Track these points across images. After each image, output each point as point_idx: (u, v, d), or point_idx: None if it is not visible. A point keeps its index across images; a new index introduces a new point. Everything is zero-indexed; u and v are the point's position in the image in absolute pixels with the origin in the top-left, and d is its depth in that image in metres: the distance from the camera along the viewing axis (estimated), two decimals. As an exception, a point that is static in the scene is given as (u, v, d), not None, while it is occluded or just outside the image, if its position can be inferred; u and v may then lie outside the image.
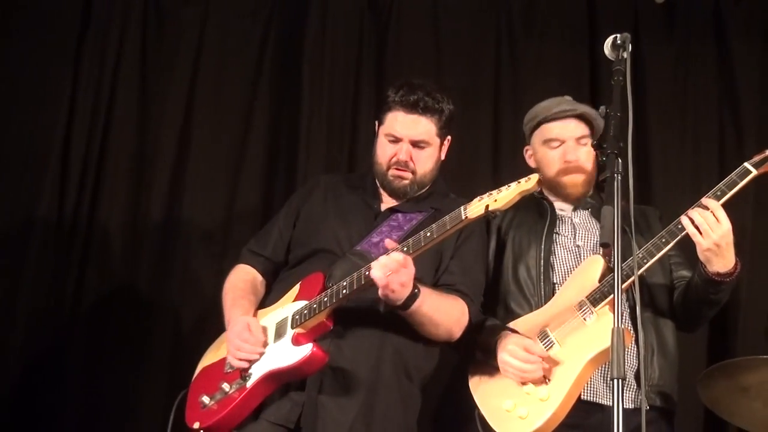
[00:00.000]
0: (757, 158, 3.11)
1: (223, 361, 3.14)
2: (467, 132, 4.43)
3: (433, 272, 3.16)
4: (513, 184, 2.81)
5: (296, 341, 2.98)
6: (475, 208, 2.83)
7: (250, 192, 4.35)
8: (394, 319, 3.06)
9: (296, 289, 3.14)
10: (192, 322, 4.16)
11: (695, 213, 3.00)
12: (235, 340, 3.05)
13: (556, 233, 3.36)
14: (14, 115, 4.34)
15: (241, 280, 3.33)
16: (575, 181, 3.39)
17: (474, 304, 3.20)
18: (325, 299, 2.98)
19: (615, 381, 2.33)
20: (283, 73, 4.51)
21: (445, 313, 3.09)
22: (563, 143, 3.39)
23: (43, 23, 4.40)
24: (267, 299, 3.29)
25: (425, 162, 3.28)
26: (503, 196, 2.80)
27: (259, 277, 3.36)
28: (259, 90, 4.47)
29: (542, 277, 3.27)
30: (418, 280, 2.97)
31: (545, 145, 3.43)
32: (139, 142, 4.38)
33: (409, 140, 3.24)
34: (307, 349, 2.93)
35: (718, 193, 3.04)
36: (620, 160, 2.55)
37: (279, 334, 3.05)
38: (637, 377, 3.05)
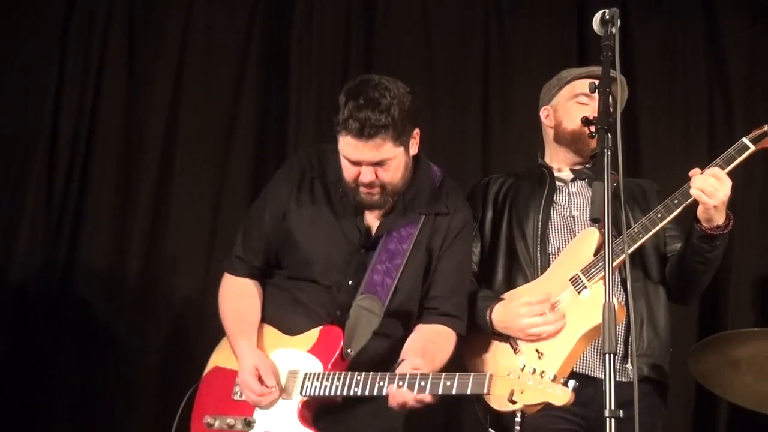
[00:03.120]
0: (755, 133, 3.11)
1: (233, 375, 3.08)
2: (456, 109, 4.44)
3: (416, 286, 3.11)
4: (544, 387, 2.66)
5: (302, 416, 2.96)
6: (498, 390, 2.71)
7: (240, 173, 4.33)
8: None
9: (314, 336, 3.05)
10: (182, 307, 4.15)
11: (696, 179, 3.01)
12: (246, 391, 3.00)
13: (554, 203, 3.35)
14: (0, 102, 4.31)
15: (239, 302, 3.18)
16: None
17: (462, 321, 3.15)
18: (338, 384, 2.92)
19: (607, 356, 2.34)
20: (271, 52, 4.48)
21: (441, 365, 3.04)
22: (593, 102, 3.34)
23: (28, 7, 4.36)
24: (265, 308, 3.18)
25: (393, 174, 3.05)
26: (529, 397, 2.67)
27: (256, 288, 3.22)
28: (247, 70, 4.44)
29: (539, 248, 3.27)
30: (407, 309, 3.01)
31: (574, 99, 3.39)
32: (128, 125, 4.35)
33: (366, 163, 3.02)
34: None
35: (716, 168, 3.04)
36: (610, 135, 2.55)
37: (287, 391, 3.00)
38: (624, 348, 3.06)
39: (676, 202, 3.07)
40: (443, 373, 2.81)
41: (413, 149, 3.12)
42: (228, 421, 3.01)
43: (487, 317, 3.17)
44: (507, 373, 2.69)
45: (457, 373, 2.79)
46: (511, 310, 3.13)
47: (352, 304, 3.07)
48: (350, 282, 3.09)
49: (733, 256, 4.18)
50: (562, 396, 2.64)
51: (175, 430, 3.09)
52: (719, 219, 3.04)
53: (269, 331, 3.13)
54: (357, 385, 2.90)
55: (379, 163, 3.00)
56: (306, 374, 3.00)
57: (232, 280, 3.22)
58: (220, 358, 3.20)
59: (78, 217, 4.22)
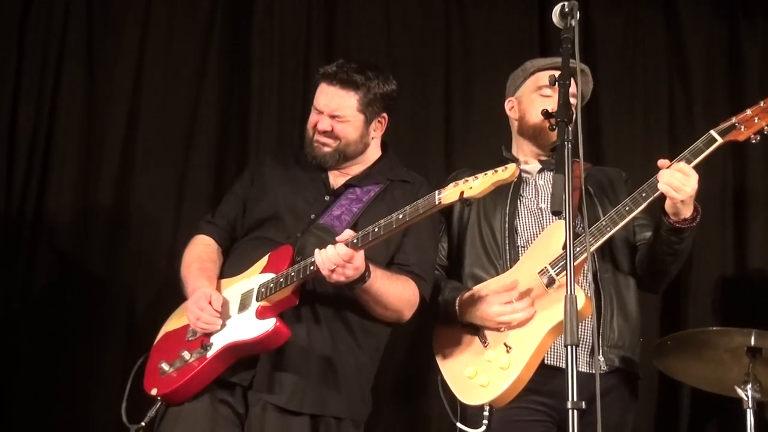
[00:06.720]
0: (723, 126, 3.11)
1: (185, 327, 3.12)
2: (418, 102, 4.42)
3: (384, 246, 3.12)
4: (490, 172, 2.75)
5: (260, 314, 2.97)
6: (449, 194, 2.78)
7: (201, 168, 4.30)
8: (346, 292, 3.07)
9: (264, 260, 3.12)
10: (146, 298, 4.13)
11: (663, 174, 3.02)
12: (194, 308, 3.04)
13: (520, 196, 3.36)
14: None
15: (202, 251, 3.31)
16: None
17: (427, 283, 3.20)
18: (292, 274, 2.96)
19: (568, 348, 2.37)
20: (232, 47, 4.45)
21: (396, 296, 3.08)
22: (557, 94, 3.33)
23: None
24: (225, 268, 3.27)
25: (347, 132, 3.22)
26: (479, 184, 2.74)
27: (218, 247, 3.34)
28: (208, 64, 4.41)
29: (507, 241, 3.28)
30: (371, 259, 2.96)
31: (538, 91, 3.39)
32: (88, 120, 4.30)
33: (327, 113, 3.21)
34: (270, 323, 2.91)
35: (684, 160, 3.05)
36: (570, 128, 2.56)
37: (243, 305, 3.04)
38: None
39: (644, 195, 3.08)
40: (393, 214, 2.87)
41: (375, 132, 3.31)
42: (183, 355, 3.01)
43: (456, 306, 3.18)
44: (453, 185, 2.78)
45: (406, 207, 2.85)
46: (479, 298, 3.13)
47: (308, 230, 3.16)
48: (312, 216, 3.19)
49: (694, 249, 4.20)
50: (507, 170, 2.73)
51: (127, 398, 3.09)
52: (687, 212, 3.06)
53: (225, 281, 3.19)
54: (312, 264, 2.92)
55: (336, 117, 3.19)
56: (260, 285, 3.03)
57: (198, 237, 3.36)
58: (170, 324, 3.24)
59: (38, 214, 4.17)
